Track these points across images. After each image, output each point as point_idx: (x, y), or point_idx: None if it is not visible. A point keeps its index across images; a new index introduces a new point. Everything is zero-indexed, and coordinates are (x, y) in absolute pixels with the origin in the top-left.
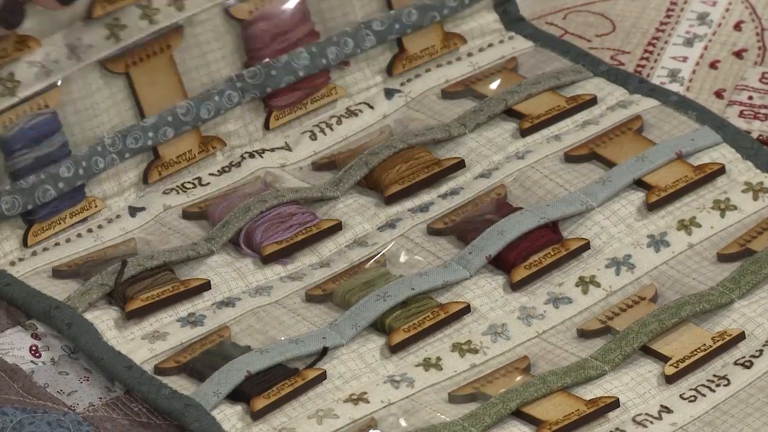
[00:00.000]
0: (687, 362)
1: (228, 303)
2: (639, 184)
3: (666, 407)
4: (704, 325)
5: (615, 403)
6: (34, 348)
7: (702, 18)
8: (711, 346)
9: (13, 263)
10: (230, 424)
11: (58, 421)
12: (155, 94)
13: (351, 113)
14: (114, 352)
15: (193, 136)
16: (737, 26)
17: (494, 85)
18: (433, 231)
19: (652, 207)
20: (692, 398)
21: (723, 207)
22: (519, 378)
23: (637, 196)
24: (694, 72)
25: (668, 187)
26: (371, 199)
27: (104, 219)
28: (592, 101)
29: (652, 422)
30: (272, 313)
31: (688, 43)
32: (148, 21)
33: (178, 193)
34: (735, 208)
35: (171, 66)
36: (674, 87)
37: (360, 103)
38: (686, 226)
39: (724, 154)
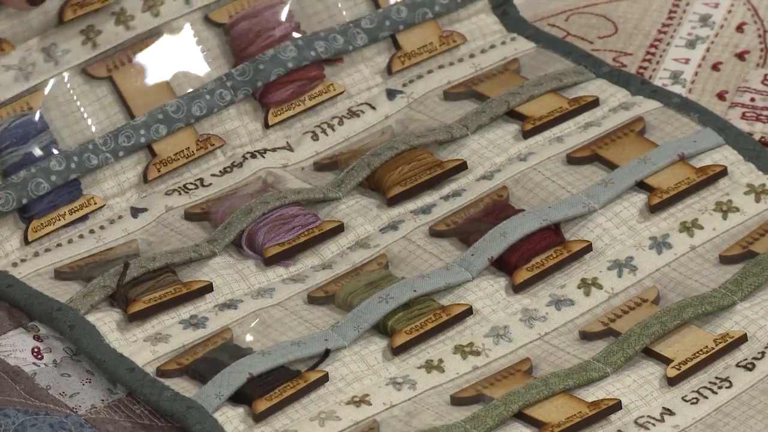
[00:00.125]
0: (689, 364)
1: (230, 305)
2: (641, 186)
3: (668, 409)
4: (706, 327)
5: (617, 405)
6: (36, 350)
7: (704, 20)
8: (713, 348)
9: (15, 264)
10: (232, 426)
11: (60, 423)
12: (143, 97)
13: (353, 114)
14: (116, 354)
15: (189, 134)
16: (739, 28)
17: (496, 87)
18: (435, 233)
19: (654, 209)
20: (694, 400)
21: (725, 209)
22: (521, 380)
23: (639, 198)
24: (696, 74)
25: (670, 189)
26: (373, 200)
27: (106, 220)
28: (594, 103)
29: (654, 424)
30: (274, 315)
31: (690, 44)
32: (123, 27)
33: (180, 193)
34: (737, 210)
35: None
36: (676, 89)
37: (362, 104)
38: (688, 228)
39: (727, 156)
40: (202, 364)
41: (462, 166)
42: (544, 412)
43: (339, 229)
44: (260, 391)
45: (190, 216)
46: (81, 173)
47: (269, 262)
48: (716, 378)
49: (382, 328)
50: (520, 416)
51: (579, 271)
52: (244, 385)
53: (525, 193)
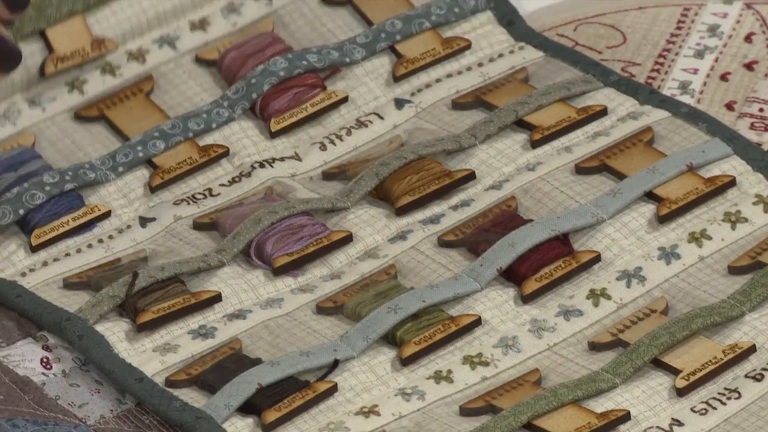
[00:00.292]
0: (698, 375)
1: (239, 315)
2: (650, 196)
3: (677, 420)
4: (715, 337)
5: (626, 416)
6: (45, 360)
7: (713, 30)
8: (722, 359)
9: (23, 274)
10: None
11: None
12: (139, 126)
13: (361, 124)
14: (125, 364)
15: (189, 145)
16: (748, 38)
17: (504, 96)
18: (443, 243)
19: (662, 219)
20: (703, 411)
21: (734, 219)
22: (530, 391)
23: (648, 209)
24: (704, 84)
25: (679, 200)
26: (382, 210)
27: (114, 229)
28: (603, 112)
29: None
30: (283, 325)
31: (699, 55)
32: (111, 75)
33: (189, 203)
34: (746, 220)
35: (149, 103)
36: (685, 99)
37: (370, 114)
38: (697, 238)
39: (735, 166)
40: (211, 375)
41: (470, 176)
42: (553, 423)
43: (348, 239)
44: (269, 402)
45: (198, 226)
46: (78, 184)
47: (278, 272)
48: (725, 389)
49: (390, 339)
50: (529, 427)
51: (588, 282)
52: (253, 396)
53: (533, 203)
